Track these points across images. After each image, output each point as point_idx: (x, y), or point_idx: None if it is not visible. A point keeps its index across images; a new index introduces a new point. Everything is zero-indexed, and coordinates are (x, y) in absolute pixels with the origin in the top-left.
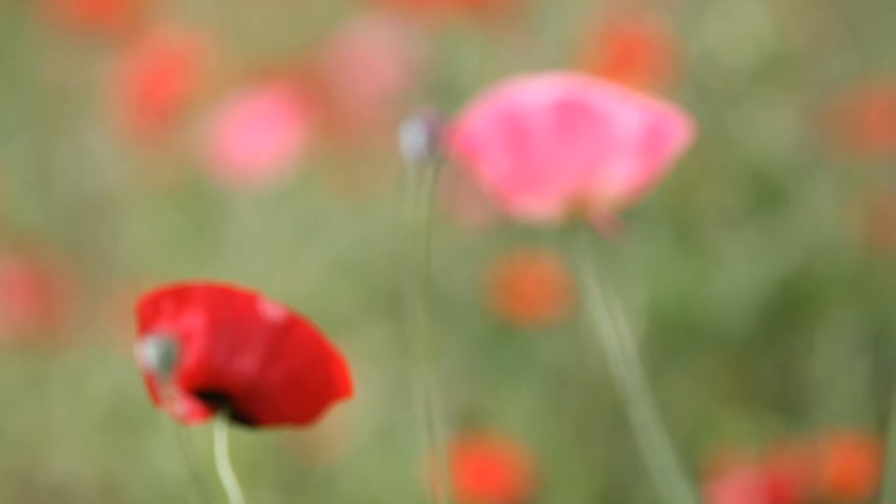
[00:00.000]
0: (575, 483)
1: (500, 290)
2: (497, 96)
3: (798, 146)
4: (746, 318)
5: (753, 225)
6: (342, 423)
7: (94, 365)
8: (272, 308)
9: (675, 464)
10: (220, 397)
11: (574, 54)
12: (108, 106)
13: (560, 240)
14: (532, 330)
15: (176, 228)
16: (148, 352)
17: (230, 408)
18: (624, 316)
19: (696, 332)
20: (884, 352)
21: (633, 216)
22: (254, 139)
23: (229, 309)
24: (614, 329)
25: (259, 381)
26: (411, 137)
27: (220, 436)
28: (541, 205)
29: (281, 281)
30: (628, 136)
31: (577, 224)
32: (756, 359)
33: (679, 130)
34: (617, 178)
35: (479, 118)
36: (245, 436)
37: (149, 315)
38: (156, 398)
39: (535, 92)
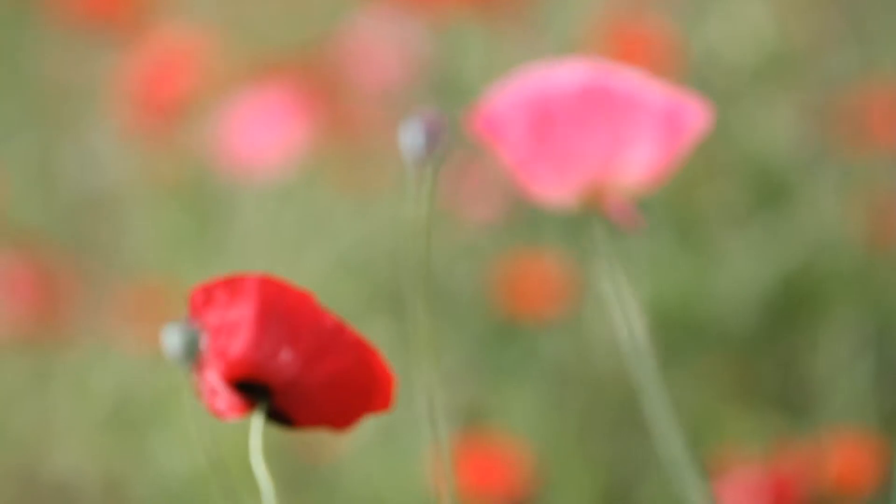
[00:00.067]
0: (578, 480)
1: (503, 287)
2: (520, 80)
3: (800, 144)
4: (749, 316)
5: (756, 222)
6: None
7: (96, 362)
8: (324, 309)
9: (687, 453)
10: (259, 391)
11: (577, 51)
12: (112, 103)
13: (563, 237)
14: (535, 327)
15: (179, 226)
16: (171, 339)
17: (268, 403)
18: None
19: (699, 329)
20: (887, 349)
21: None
22: (257, 136)
23: (281, 304)
24: (626, 318)
25: (301, 378)
26: (410, 137)
27: (257, 428)
28: (559, 191)
29: (283, 278)
30: (649, 123)
31: (593, 212)
32: (759, 356)
33: (698, 117)
34: (636, 166)
35: (501, 102)
36: (241, 432)
37: (200, 302)
38: (199, 390)
39: (560, 77)
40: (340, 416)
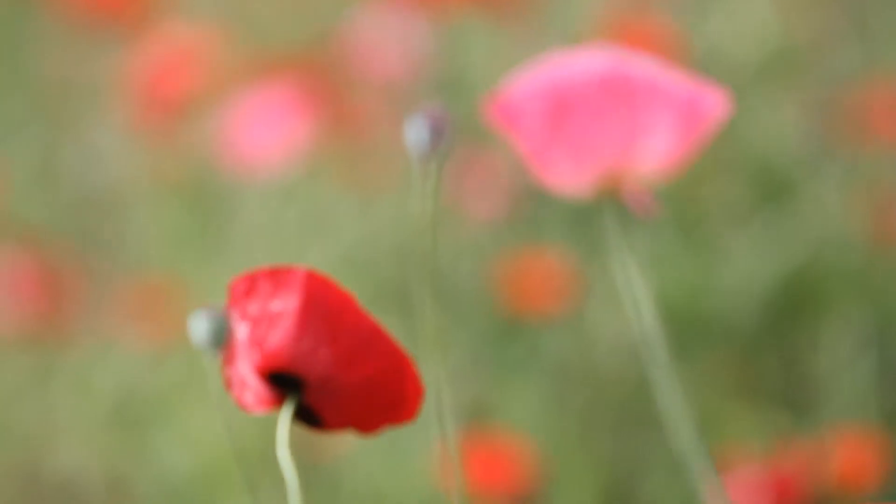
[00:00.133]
0: (580, 478)
1: (506, 284)
2: (538, 69)
3: (803, 141)
4: (752, 313)
5: (759, 220)
6: None
7: (99, 360)
8: (366, 311)
9: (698, 446)
10: (291, 386)
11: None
12: (115, 100)
13: (566, 234)
14: (538, 325)
15: (182, 223)
16: (199, 325)
17: (298, 398)
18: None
19: (702, 326)
20: (889, 347)
21: (631, 217)
22: (260, 133)
23: (325, 300)
24: (637, 306)
25: (334, 377)
26: (415, 133)
27: (285, 420)
28: (575, 180)
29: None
30: (668, 111)
31: (607, 201)
32: (762, 354)
33: (716, 105)
34: (654, 154)
35: (518, 90)
36: (252, 431)
37: (243, 291)
38: (227, 381)
39: (578, 66)
40: (367, 419)
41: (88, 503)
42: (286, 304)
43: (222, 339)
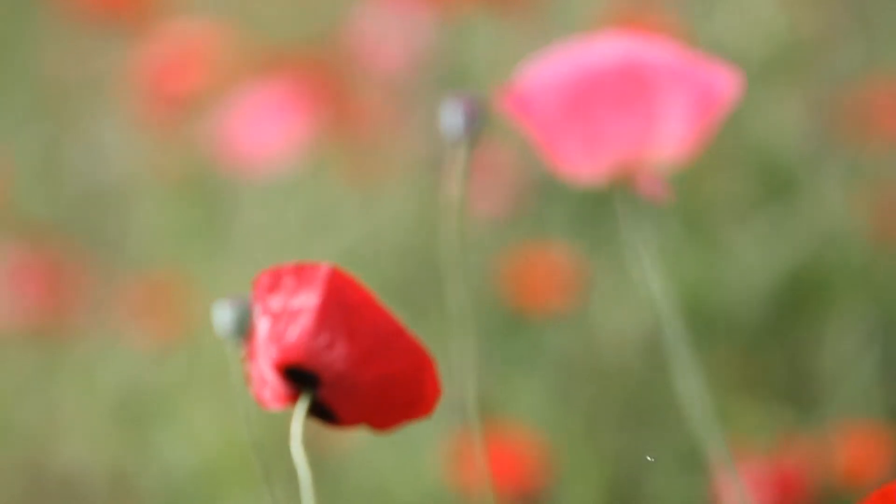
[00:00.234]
0: (585, 472)
1: (510, 280)
2: (554, 57)
3: (807, 137)
4: (755, 309)
5: (762, 215)
6: None
7: (103, 356)
8: (388, 310)
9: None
10: (308, 381)
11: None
12: (119, 96)
13: (570, 230)
14: (542, 320)
15: (186, 219)
16: (223, 314)
17: (313, 394)
18: (635, 304)
19: (706, 322)
20: (893, 341)
21: (642, 206)
22: (263, 130)
23: (347, 298)
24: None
25: (351, 374)
26: (449, 117)
27: (300, 414)
28: (591, 168)
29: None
30: (682, 96)
31: (621, 189)
32: (765, 349)
33: (729, 87)
34: (669, 140)
35: (535, 79)
36: (258, 425)
37: (267, 286)
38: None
39: (594, 54)
40: (382, 417)
41: (92, 499)
42: (307, 301)
43: (245, 329)
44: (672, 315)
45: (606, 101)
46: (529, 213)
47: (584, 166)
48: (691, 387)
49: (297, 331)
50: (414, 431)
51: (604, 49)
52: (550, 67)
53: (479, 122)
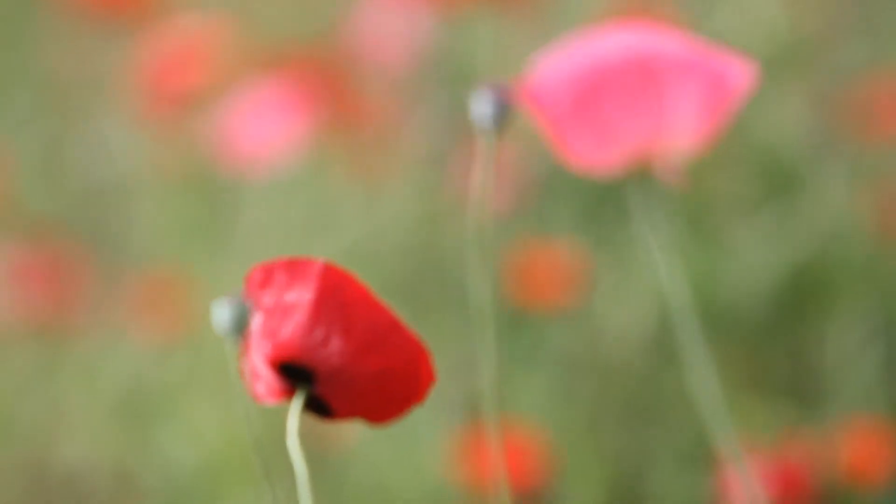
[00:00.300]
0: (588, 469)
1: (514, 277)
2: (566, 50)
3: (810, 134)
4: (759, 306)
5: (765, 213)
6: None
7: (106, 352)
8: (383, 304)
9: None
10: (302, 377)
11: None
12: (121, 94)
13: (574, 226)
14: (545, 317)
15: (188, 216)
16: (221, 312)
17: (308, 389)
18: (638, 301)
19: (709, 319)
20: None
21: (652, 200)
22: (265, 127)
23: (341, 293)
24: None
25: (346, 368)
26: (480, 106)
27: (295, 412)
28: (605, 159)
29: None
30: (695, 86)
31: (635, 179)
32: (769, 346)
33: (742, 76)
34: (682, 129)
35: (548, 71)
36: (259, 422)
37: (259, 282)
38: (244, 370)
39: (606, 45)
40: (379, 410)
41: (94, 496)
42: (301, 296)
43: (244, 326)
44: (683, 305)
45: (618, 93)
46: (533, 209)
47: (597, 159)
48: (702, 379)
49: (291, 327)
50: (415, 428)
51: (615, 41)
52: (562, 60)
53: (508, 112)
